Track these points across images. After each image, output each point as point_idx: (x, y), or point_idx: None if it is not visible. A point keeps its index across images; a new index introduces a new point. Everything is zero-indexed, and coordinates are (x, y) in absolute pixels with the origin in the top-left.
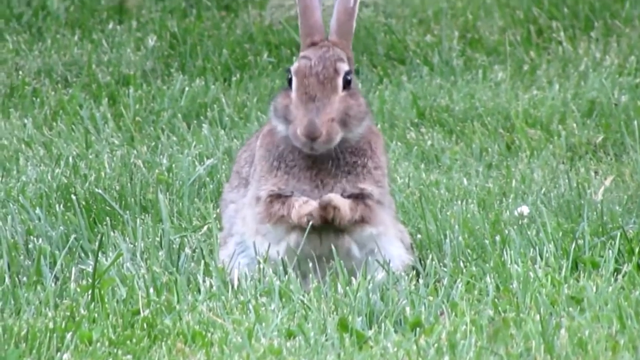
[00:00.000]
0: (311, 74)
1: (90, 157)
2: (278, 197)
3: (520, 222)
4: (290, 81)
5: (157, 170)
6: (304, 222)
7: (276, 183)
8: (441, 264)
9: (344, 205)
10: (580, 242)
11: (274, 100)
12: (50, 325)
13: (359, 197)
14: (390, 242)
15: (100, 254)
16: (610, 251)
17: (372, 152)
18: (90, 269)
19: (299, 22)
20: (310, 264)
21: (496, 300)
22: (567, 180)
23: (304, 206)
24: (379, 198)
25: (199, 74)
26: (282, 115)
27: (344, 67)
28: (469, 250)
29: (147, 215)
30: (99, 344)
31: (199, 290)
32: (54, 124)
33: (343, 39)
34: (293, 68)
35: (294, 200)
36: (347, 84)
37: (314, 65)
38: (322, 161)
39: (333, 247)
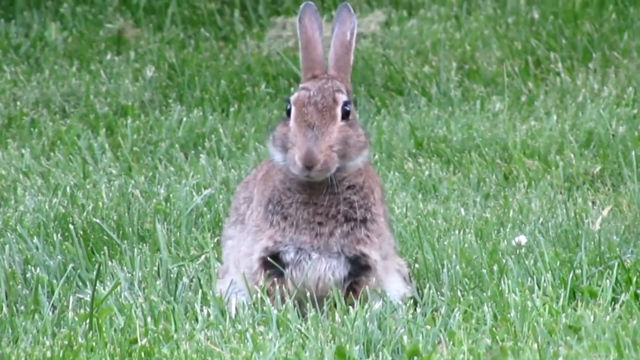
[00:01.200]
0: (310, 103)
1: (87, 187)
2: (270, 265)
3: (517, 252)
4: (289, 111)
5: (154, 200)
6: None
7: (272, 236)
8: (439, 293)
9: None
10: (578, 271)
11: (273, 130)
12: (48, 354)
13: (357, 280)
14: (388, 275)
15: (98, 283)
16: (607, 280)
17: (369, 189)
18: (88, 298)
19: (300, 56)
20: (308, 294)
21: (494, 329)
22: (564, 210)
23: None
24: (379, 244)
25: (196, 105)
26: (280, 144)
27: (343, 97)
28: (466, 280)
29: (144, 244)
30: None
31: (197, 319)
32: (52, 154)
33: (341, 72)
34: (292, 98)
35: (282, 283)
36: (345, 114)
37: (312, 95)
38: (318, 195)
39: (331, 278)
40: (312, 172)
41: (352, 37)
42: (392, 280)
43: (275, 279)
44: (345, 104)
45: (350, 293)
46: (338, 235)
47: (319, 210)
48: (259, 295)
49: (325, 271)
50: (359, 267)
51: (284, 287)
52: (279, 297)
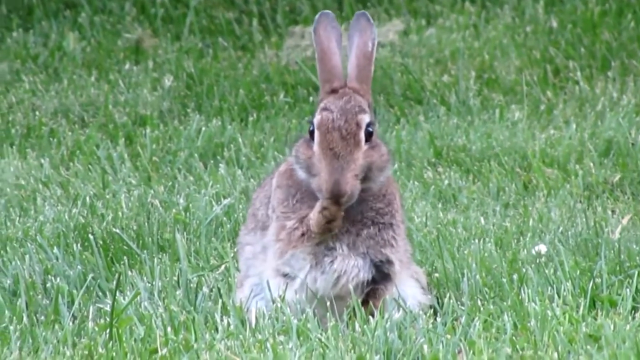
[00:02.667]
0: (334, 128)
1: (107, 196)
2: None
3: (537, 261)
4: (312, 133)
5: (174, 210)
6: (322, 223)
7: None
8: (459, 303)
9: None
10: (598, 280)
11: (296, 148)
12: None
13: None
14: (405, 281)
15: (118, 293)
16: (627, 289)
17: (392, 196)
18: (108, 308)
19: (317, 68)
20: (328, 303)
21: (514, 338)
22: (584, 219)
23: (314, 211)
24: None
25: (215, 114)
26: (304, 166)
27: (366, 118)
28: (486, 289)
29: (164, 254)
30: None
31: (217, 329)
32: (71, 164)
33: (363, 84)
34: (315, 121)
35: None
36: (369, 135)
37: (336, 118)
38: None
39: (350, 287)
40: (339, 202)
41: (373, 47)
42: (409, 286)
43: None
44: (369, 125)
45: (370, 302)
46: (364, 235)
47: (345, 216)
48: (278, 305)
49: (352, 268)
50: (381, 275)
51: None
52: (314, 225)
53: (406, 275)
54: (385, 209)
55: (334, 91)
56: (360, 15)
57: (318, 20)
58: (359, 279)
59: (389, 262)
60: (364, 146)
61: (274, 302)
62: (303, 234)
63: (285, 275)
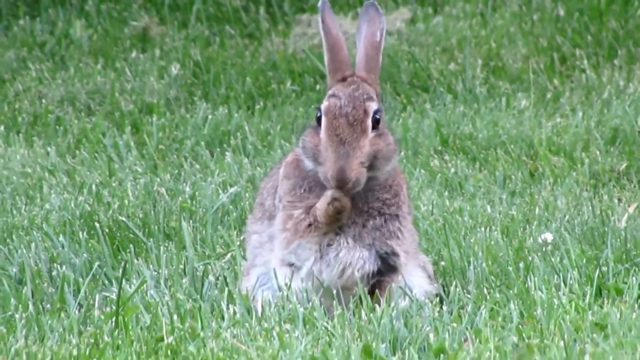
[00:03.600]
0: (341, 114)
1: (113, 185)
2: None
3: (544, 249)
4: (319, 119)
5: (180, 198)
6: (330, 213)
7: (308, 204)
8: (465, 291)
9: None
10: (604, 268)
11: (303, 137)
12: (74, 352)
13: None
14: (412, 271)
15: (124, 281)
16: (634, 278)
17: (398, 187)
18: (114, 296)
19: (326, 58)
20: (334, 292)
21: (520, 326)
22: (590, 208)
23: (322, 201)
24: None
25: (222, 102)
26: (311, 154)
27: (373, 106)
28: (492, 277)
29: (170, 242)
30: None
31: (223, 317)
32: (77, 152)
33: (371, 73)
34: (323, 107)
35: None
36: (376, 123)
37: (343, 105)
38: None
39: (356, 278)
40: (344, 189)
41: (381, 37)
42: (415, 275)
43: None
44: (376, 112)
45: (376, 290)
46: (370, 227)
47: (351, 207)
48: (284, 293)
49: (357, 260)
50: (387, 267)
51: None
52: (321, 216)
53: (413, 265)
54: (392, 200)
55: (343, 79)
56: (369, 5)
57: (322, 9)
58: (365, 271)
59: (395, 254)
60: (370, 133)
61: (280, 290)
62: (310, 224)
63: (291, 265)
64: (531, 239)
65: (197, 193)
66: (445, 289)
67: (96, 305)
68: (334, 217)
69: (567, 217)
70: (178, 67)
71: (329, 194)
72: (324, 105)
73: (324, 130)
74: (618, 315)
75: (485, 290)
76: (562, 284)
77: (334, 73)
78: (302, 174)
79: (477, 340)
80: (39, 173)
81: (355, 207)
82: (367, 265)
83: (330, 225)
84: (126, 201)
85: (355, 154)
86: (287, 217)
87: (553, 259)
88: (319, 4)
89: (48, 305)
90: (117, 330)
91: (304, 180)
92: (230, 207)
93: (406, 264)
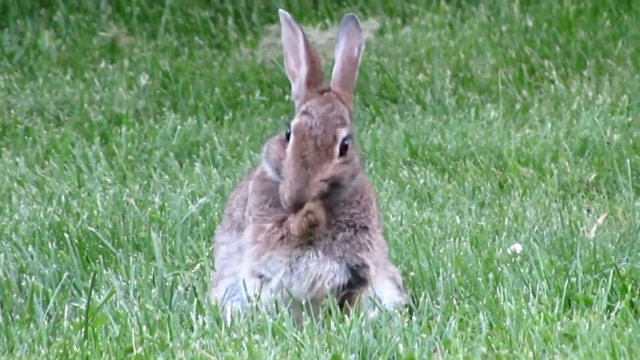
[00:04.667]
0: (310, 136)
1: (82, 195)
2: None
3: (513, 260)
4: (288, 135)
5: (149, 209)
6: (304, 227)
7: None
8: (434, 302)
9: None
10: (573, 279)
11: (269, 144)
12: None
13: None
14: (381, 282)
15: (93, 292)
16: (603, 289)
17: (367, 201)
18: (83, 307)
19: (304, 70)
20: (303, 302)
21: (489, 337)
22: (559, 219)
23: (297, 214)
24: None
25: (191, 113)
26: (274, 166)
27: (344, 132)
28: (462, 288)
29: (139, 253)
30: None
31: (192, 328)
32: (46, 162)
33: (346, 90)
34: (293, 124)
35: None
36: (344, 149)
37: (314, 126)
38: None
39: (326, 290)
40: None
41: (359, 52)
42: (385, 287)
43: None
44: (345, 138)
45: (345, 302)
46: (340, 239)
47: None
48: (254, 304)
49: (328, 272)
50: (357, 279)
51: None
52: (295, 229)
53: (382, 277)
54: (361, 214)
55: (320, 93)
56: (350, 18)
57: (292, 21)
58: (335, 283)
59: (365, 266)
60: (337, 159)
61: (249, 300)
62: (282, 237)
63: (261, 277)
64: (500, 249)
65: (166, 204)
66: (415, 299)
67: (65, 315)
68: (307, 230)
69: (536, 228)
70: (147, 77)
71: (304, 208)
72: (294, 122)
73: (290, 148)
74: (587, 326)
75: (455, 301)
76: (531, 295)
77: (312, 85)
78: (269, 188)
79: (447, 350)
80: (8, 183)
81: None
82: (338, 278)
83: (304, 238)
84: (95, 212)
85: (316, 175)
86: (258, 229)
87: (522, 270)
88: (288, 17)
89: (17, 316)
90: (86, 341)
91: (269, 194)
92: (200, 217)
93: (376, 276)
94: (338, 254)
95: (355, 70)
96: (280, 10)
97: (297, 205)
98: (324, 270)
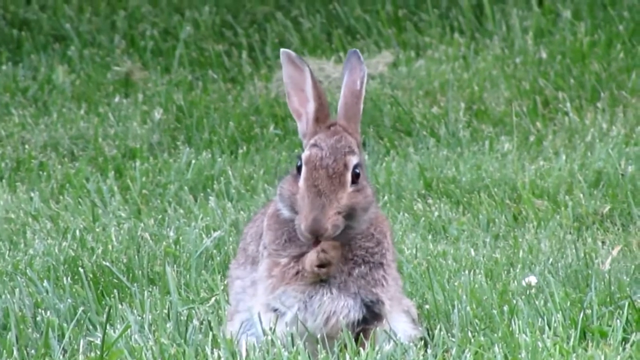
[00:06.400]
0: (322, 165)
1: (97, 230)
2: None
3: (528, 292)
4: (299, 168)
5: (164, 243)
6: (316, 264)
7: (291, 253)
8: (449, 334)
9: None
10: (589, 311)
11: (281, 185)
12: None
13: (367, 328)
14: (396, 316)
15: (108, 326)
16: (618, 320)
17: (381, 235)
18: (98, 341)
19: (312, 106)
20: (319, 336)
21: None
22: (574, 250)
23: (312, 252)
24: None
25: (205, 147)
26: (288, 203)
27: (354, 160)
28: (477, 320)
29: (154, 287)
30: None
31: None
32: (61, 197)
33: (351, 122)
34: (304, 156)
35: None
36: (355, 177)
37: (324, 156)
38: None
39: (341, 326)
40: (319, 239)
41: (362, 85)
42: (399, 320)
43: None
44: (356, 166)
45: (361, 335)
46: (356, 275)
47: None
48: (269, 337)
49: (342, 308)
50: (372, 315)
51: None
52: (308, 265)
53: (397, 311)
54: (375, 248)
55: (327, 128)
56: (352, 54)
57: (300, 60)
58: (349, 319)
59: (380, 302)
60: (349, 188)
61: (264, 334)
62: (297, 272)
63: (275, 310)
64: (515, 282)
65: (180, 238)
66: (430, 332)
67: (81, 350)
68: (318, 269)
69: (551, 260)
70: (161, 111)
71: (319, 246)
72: (305, 154)
73: (303, 180)
74: (602, 358)
75: (470, 334)
76: (547, 327)
77: (320, 121)
78: (282, 226)
79: None
80: (23, 218)
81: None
82: (352, 314)
83: (315, 277)
84: (110, 246)
85: (331, 206)
86: (273, 264)
87: (537, 302)
88: (294, 56)
89: (33, 351)
90: None
91: (284, 230)
92: (214, 251)
93: (391, 311)
94: (353, 290)
95: (359, 103)
96: (283, 50)
97: (314, 234)
98: (338, 306)
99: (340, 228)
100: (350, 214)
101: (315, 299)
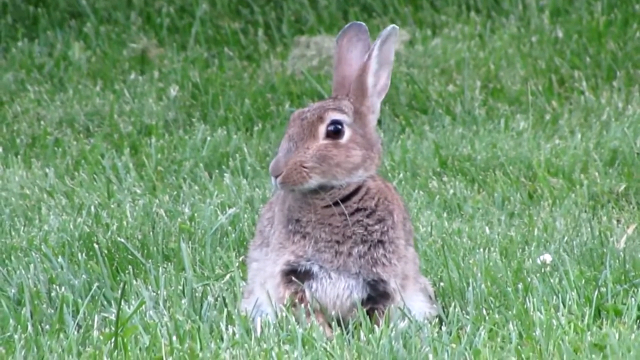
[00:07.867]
0: (299, 117)
1: (112, 206)
2: (294, 275)
3: (542, 270)
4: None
5: (179, 219)
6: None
7: (294, 251)
8: (464, 312)
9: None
10: (603, 289)
11: None
12: None
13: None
14: (412, 295)
15: (122, 302)
16: (632, 299)
17: (384, 212)
18: (113, 317)
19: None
20: (332, 313)
21: (519, 347)
22: (589, 229)
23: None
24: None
25: (220, 124)
26: None
27: (333, 115)
28: (491, 298)
29: (169, 263)
30: None
31: (222, 338)
32: (76, 173)
33: (354, 93)
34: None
35: (308, 293)
36: (334, 133)
37: (306, 111)
38: (330, 215)
39: (349, 299)
40: (276, 181)
41: (369, 58)
42: (416, 299)
43: (299, 293)
44: (337, 122)
45: (375, 313)
46: (355, 254)
47: (336, 230)
48: (283, 313)
49: (344, 290)
50: (377, 294)
51: (308, 302)
52: (304, 314)
53: (414, 289)
54: (375, 225)
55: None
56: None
57: (346, 30)
58: (353, 299)
59: (383, 281)
60: (322, 140)
61: (279, 309)
62: (295, 304)
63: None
64: (530, 260)
65: (196, 214)
66: (445, 309)
67: (95, 326)
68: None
69: (566, 238)
70: (177, 88)
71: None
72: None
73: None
74: (617, 336)
75: (484, 311)
76: (561, 305)
77: (335, 92)
78: (288, 210)
79: None
80: (38, 194)
81: (339, 233)
82: (355, 294)
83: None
84: (125, 222)
85: (297, 152)
86: (277, 275)
87: (552, 280)
88: (346, 25)
89: (47, 326)
90: (116, 351)
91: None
92: (229, 228)
93: (407, 287)
94: (354, 270)
95: (364, 75)
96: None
97: (272, 173)
98: (339, 289)
99: (302, 182)
100: (322, 170)
101: (321, 282)
